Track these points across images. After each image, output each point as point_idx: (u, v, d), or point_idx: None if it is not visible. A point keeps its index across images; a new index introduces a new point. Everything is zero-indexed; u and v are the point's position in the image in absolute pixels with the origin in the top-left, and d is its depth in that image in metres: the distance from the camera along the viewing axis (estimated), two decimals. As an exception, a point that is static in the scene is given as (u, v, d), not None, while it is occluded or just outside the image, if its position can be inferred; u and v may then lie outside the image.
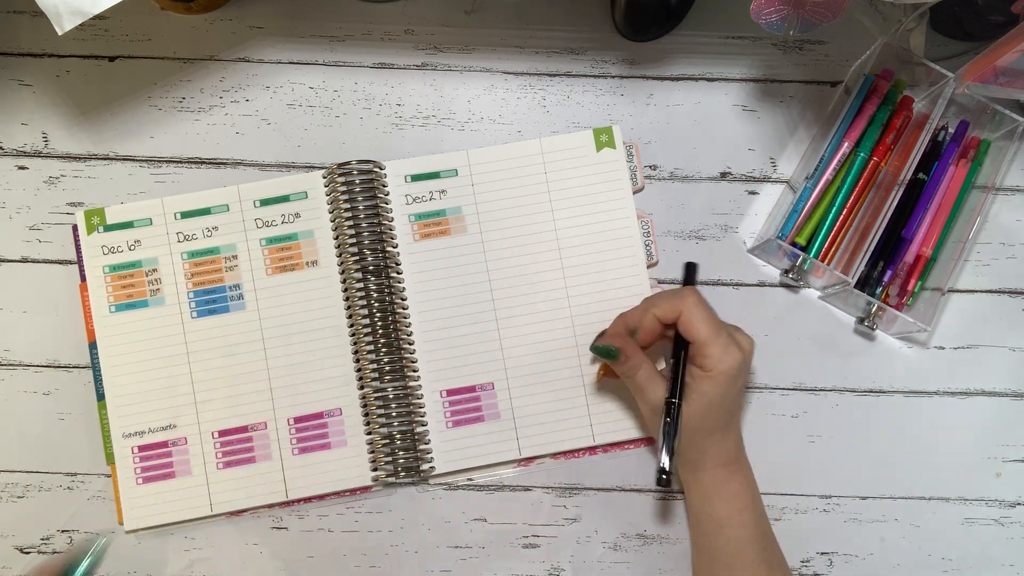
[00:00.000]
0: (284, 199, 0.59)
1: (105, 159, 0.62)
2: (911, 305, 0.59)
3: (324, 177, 0.60)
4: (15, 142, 0.62)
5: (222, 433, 0.57)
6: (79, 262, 0.59)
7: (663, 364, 0.58)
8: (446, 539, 0.58)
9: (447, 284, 0.59)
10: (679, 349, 0.52)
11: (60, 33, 0.50)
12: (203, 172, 0.62)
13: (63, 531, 0.58)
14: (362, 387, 0.58)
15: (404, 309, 0.58)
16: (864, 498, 0.59)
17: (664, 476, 0.49)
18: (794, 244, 0.59)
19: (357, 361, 0.58)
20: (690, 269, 0.57)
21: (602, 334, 0.55)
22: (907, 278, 0.59)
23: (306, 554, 0.58)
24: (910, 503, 0.59)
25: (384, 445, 0.57)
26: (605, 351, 0.52)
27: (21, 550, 0.58)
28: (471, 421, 0.58)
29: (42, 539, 0.58)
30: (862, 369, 0.60)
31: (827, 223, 0.59)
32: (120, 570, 0.57)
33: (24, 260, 0.60)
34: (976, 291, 0.61)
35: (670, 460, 0.49)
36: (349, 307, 0.58)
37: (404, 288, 0.59)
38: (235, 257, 0.59)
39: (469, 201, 0.60)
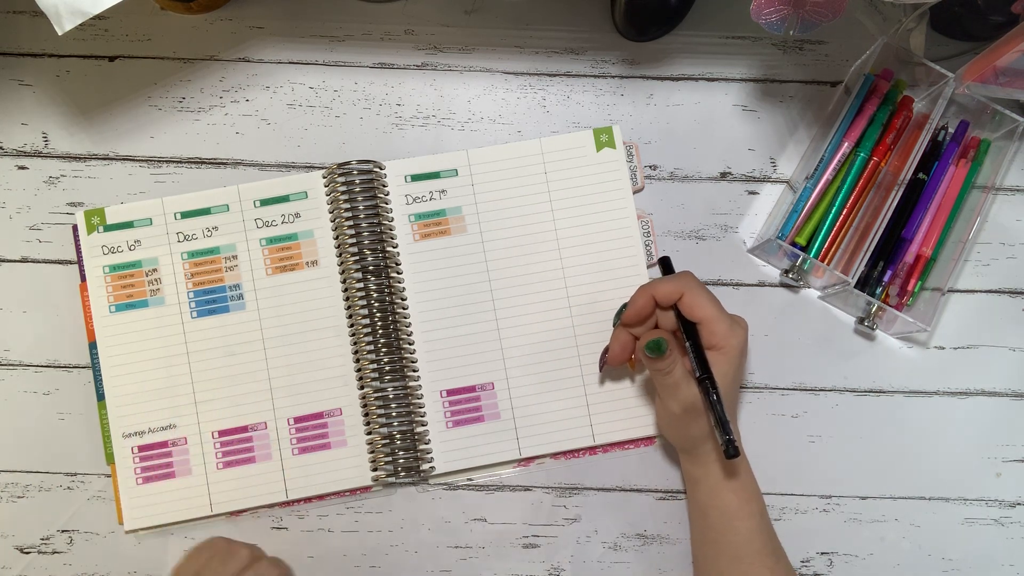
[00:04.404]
0: (284, 199, 0.59)
1: (105, 159, 0.62)
2: (911, 305, 0.59)
3: (324, 177, 0.60)
4: (15, 142, 0.62)
5: (222, 433, 0.57)
6: (79, 262, 0.59)
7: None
8: (446, 539, 0.58)
9: (447, 284, 0.59)
10: (689, 332, 0.52)
11: (60, 33, 0.50)
12: (203, 172, 0.62)
13: (63, 531, 0.58)
14: (362, 387, 0.58)
15: (404, 309, 0.58)
16: (864, 498, 0.59)
17: (734, 446, 0.47)
18: (794, 244, 0.59)
19: (357, 361, 0.58)
20: (665, 262, 0.57)
21: (623, 308, 0.54)
22: (907, 278, 0.59)
23: (306, 554, 0.58)
24: (910, 503, 0.59)
25: (384, 445, 0.57)
26: (656, 345, 0.50)
27: (21, 550, 0.58)
28: (471, 421, 0.58)
29: (42, 539, 0.58)
30: (862, 369, 0.60)
31: (827, 223, 0.59)
32: (120, 570, 0.57)
33: (24, 260, 0.60)
34: (976, 291, 0.61)
35: (730, 428, 0.48)
36: (349, 307, 0.58)
37: (404, 288, 0.59)
38: (235, 257, 0.59)
39: (469, 201, 0.60)
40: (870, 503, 0.59)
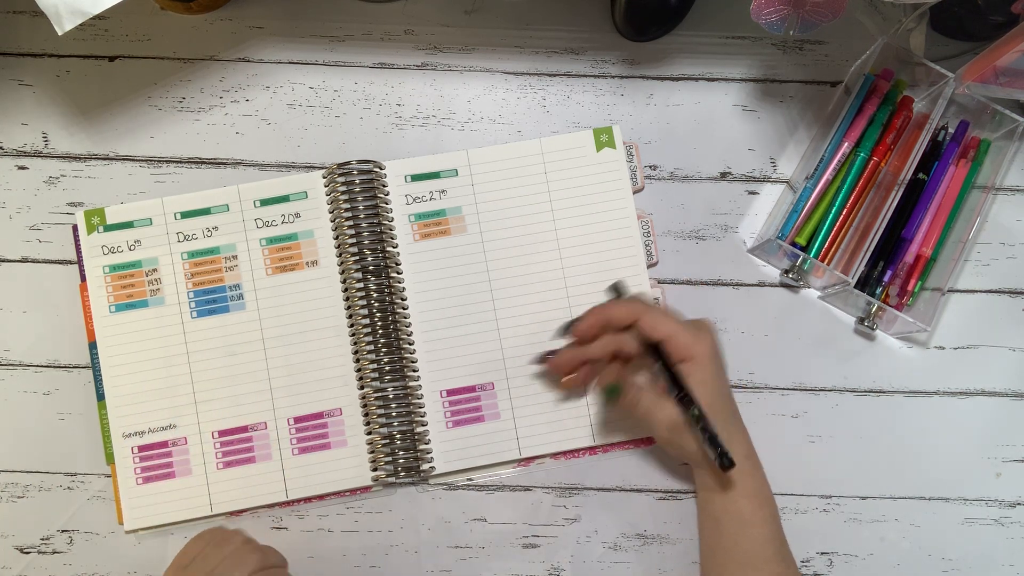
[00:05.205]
0: (284, 199, 0.59)
1: (105, 159, 0.62)
2: (911, 305, 0.59)
3: (324, 177, 0.60)
4: (15, 142, 0.62)
5: (222, 433, 0.57)
6: (79, 262, 0.59)
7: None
8: (446, 539, 0.58)
9: (447, 284, 0.59)
10: (657, 356, 0.52)
11: (60, 33, 0.50)
12: (203, 172, 0.62)
13: (63, 531, 0.58)
14: (362, 387, 0.58)
15: (404, 309, 0.58)
16: (864, 498, 0.59)
17: (727, 458, 0.48)
18: (794, 244, 0.59)
19: (357, 361, 0.58)
20: (617, 287, 0.56)
21: (570, 323, 0.54)
22: (907, 278, 0.59)
23: (306, 554, 0.58)
24: (910, 503, 0.59)
25: (384, 445, 0.57)
26: (611, 392, 0.51)
27: (21, 550, 0.58)
28: (471, 421, 0.58)
29: (42, 539, 0.58)
30: (862, 369, 0.60)
31: (827, 223, 0.59)
32: (120, 570, 0.57)
33: (24, 260, 0.60)
34: (976, 291, 0.61)
35: (720, 440, 0.48)
36: (349, 307, 0.58)
37: (404, 288, 0.59)
38: (235, 257, 0.59)
39: (469, 201, 0.60)
40: (870, 503, 0.59)
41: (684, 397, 0.50)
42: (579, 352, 0.54)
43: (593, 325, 0.53)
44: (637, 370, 0.55)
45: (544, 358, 0.57)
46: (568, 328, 0.54)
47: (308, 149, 0.62)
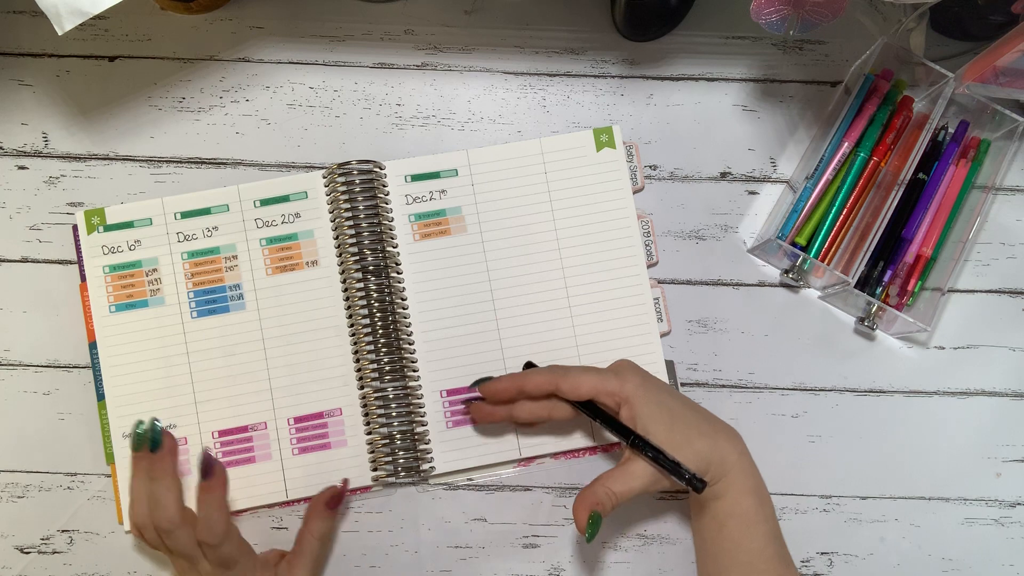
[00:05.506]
0: (284, 199, 0.59)
1: (105, 159, 0.62)
2: (911, 305, 0.59)
3: (324, 177, 0.60)
4: (15, 142, 0.62)
5: (222, 433, 0.57)
6: (79, 262, 0.59)
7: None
8: (446, 539, 0.58)
9: (447, 284, 0.59)
10: (593, 413, 0.51)
11: (60, 33, 0.50)
12: (203, 172, 0.62)
13: (63, 531, 0.58)
14: (362, 387, 0.58)
15: (404, 309, 0.58)
16: (864, 498, 0.59)
17: (698, 481, 0.48)
18: (794, 244, 0.59)
19: (357, 361, 0.58)
20: (528, 365, 0.56)
21: (483, 379, 0.54)
22: (907, 278, 0.59)
23: (306, 554, 0.58)
24: (910, 503, 0.59)
25: (384, 445, 0.57)
26: (593, 522, 0.48)
27: (21, 550, 0.58)
28: (472, 421, 0.58)
29: (42, 539, 0.58)
30: (862, 369, 0.60)
31: (827, 223, 0.59)
32: (120, 570, 0.57)
33: (24, 260, 0.60)
34: (976, 291, 0.61)
35: (684, 468, 0.48)
36: (349, 307, 0.58)
37: (404, 288, 0.59)
38: (235, 257, 0.59)
39: (469, 201, 0.60)
40: (870, 503, 0.59)
41: (637, 440, 0.49)
42: (496, 409, 0.54)
43: (506, 390, 0.52)
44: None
45: (471, 399, 0.56)
46: (478, 385, 0.54)
47: (308, 149, 0.62)
